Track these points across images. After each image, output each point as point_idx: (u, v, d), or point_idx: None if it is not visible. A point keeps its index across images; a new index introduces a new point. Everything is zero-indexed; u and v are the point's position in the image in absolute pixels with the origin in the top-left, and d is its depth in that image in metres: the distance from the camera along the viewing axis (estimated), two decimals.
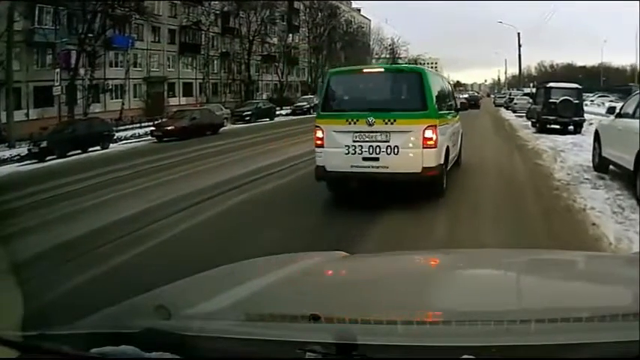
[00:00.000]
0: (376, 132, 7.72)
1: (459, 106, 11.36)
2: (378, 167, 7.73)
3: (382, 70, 9.40)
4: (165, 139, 24.78)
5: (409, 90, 8.18)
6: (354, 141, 7.77)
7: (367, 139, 7.75)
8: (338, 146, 7.87)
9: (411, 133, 7.69)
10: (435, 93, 8.18)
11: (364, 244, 5.87)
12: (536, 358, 1.14)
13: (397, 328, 1.32)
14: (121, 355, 1.18)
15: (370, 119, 7.69)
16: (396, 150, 7.67)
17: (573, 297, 1.62)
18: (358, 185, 8.32)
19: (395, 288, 1.83)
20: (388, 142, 7.69)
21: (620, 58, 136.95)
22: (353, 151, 7.77)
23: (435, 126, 7.77)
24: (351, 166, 7.81)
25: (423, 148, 7.65)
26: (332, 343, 1.13)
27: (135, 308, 1.59)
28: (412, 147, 7.68)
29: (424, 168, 7.66)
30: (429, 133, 7.66)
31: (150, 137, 26.29)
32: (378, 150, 7.70)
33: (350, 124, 7.82)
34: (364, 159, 7.75)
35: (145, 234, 6.95)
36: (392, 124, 7.69)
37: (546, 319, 1.28)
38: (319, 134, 8.05)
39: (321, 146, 8.04)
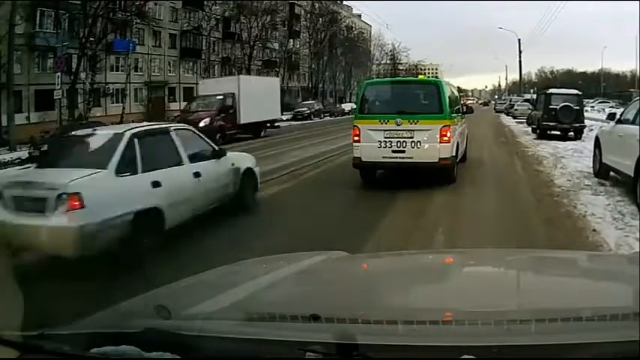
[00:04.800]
0: (403, 130, 9.52)
1: (464, 110, 13.03)
2: (404, 158, 9.55)
3: (407, 81, 11.53)
4: None
5: (429, 97, 9.92)
6: (385, 137, 9.59)
7: (395, 135, 9.57)
8: (372, 141, 9.65)
9: (430, 131, 9.52)
10: (448, 100, 9.97)
11: None
12: (536, 358, 1.14)
13: (397, 328, 1.32)
14: (122, 355, 1.19)
15: (398, 120, 9.51)
16: (418, 144, 9.48)
17: (573, 297, 1.62)
18: (387, 172, 10.33)
19: (395, 288, 1.83)
20: (412, 138, 9.51)
21: (621, 65, 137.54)
22: (384, 145, 9.57)
23: (449, 126, 9.64)
24: (383, 157, 9.64)
25: (440, 142, 9.47)
26: (332, 343, 1.13)
27: (135, 308, 1.59)
28: (431, 142, 9.48)
29: (440, 158, 9.49)
30: (444, 131, 9.50)
31: None
32: (404, 144, 9.51)
33: (382, 123, 9.63)
34: (393, 151, 9.55)
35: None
36: (415, 124, 9.53)
37: (546, 319, 1.28)
38: (357, 132, 9.85)
39: (358, 141, 9.83)
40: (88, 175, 5.56)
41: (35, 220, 5.30)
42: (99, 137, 6.47)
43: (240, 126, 24.41)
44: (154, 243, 5.82)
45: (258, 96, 25.34)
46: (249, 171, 8.29)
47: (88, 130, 7.16)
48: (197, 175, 6.88)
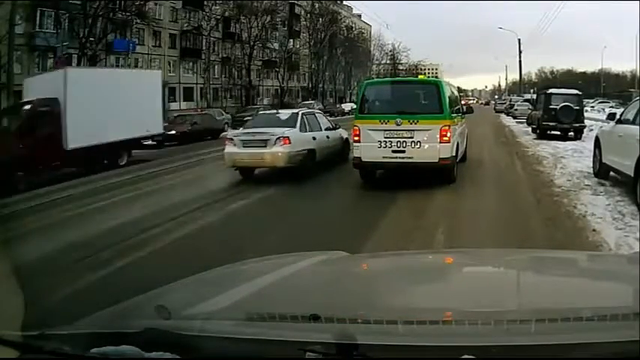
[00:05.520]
0: (403, 130, 9.60)
1: (464, 110, 13.20)
2: (404, 158, 9.62)
3: (407, 81, 11.84)
4: (165, 143, 24.71)
5: (429, 97, 9.97)
6: (385, 137, 9.68)
7: (395, 135, 9.65)
8: (372, 141, 9.75)
9: (430, 131, 9.58)
10: (448, 100, 10.05)
11: None
12: (536, 358, 1.14)
13: (397, 328, 1.31)
14: (122, 355, 1.19)
15: (398, 120, 9.60)
16: (418, 144, 9.55)
17: (573, 296, 1.62)
18: (387, 172, 10.47)
19: (395, 288, 1.83)
20: (412, 138, 9.59)
21: (621, 65, 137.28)
22: (384, 145, 9.66)
23: (449, 126, 9.70)
24: (383, 157, 9.73)
25: (440, 142, 9.53)
26: (332, 343, 1.13)
27: (135, 308, 1.59)
28: (431, 142, 9.53)
29: (440, 158, 9.55)
30: (444, 131, 9.57)
31: (150, 142, 26.14)
32: (404, 144, 9.59)
33: (382, 123, 9.72)
34: (393, 151, 9.63)
35: (146, 238, 6.95)
36: (415, 124, 9.60)
37: (546, 319, 1.28)
38: (357, 132, 10.02)
39: (358, 142, 10.00)
40: (289, 129, 11.13)
41: (260, 150, 10.86)
42: (284, 114, 12.31)
43: (67, 154, 14.23)
44: (312, 165, 11.43)
45: (110, 101, 15.29)
46: (347, 139, 13.04)
47: (274, 111, 13.69)
48: (327, 137, 12.57)
